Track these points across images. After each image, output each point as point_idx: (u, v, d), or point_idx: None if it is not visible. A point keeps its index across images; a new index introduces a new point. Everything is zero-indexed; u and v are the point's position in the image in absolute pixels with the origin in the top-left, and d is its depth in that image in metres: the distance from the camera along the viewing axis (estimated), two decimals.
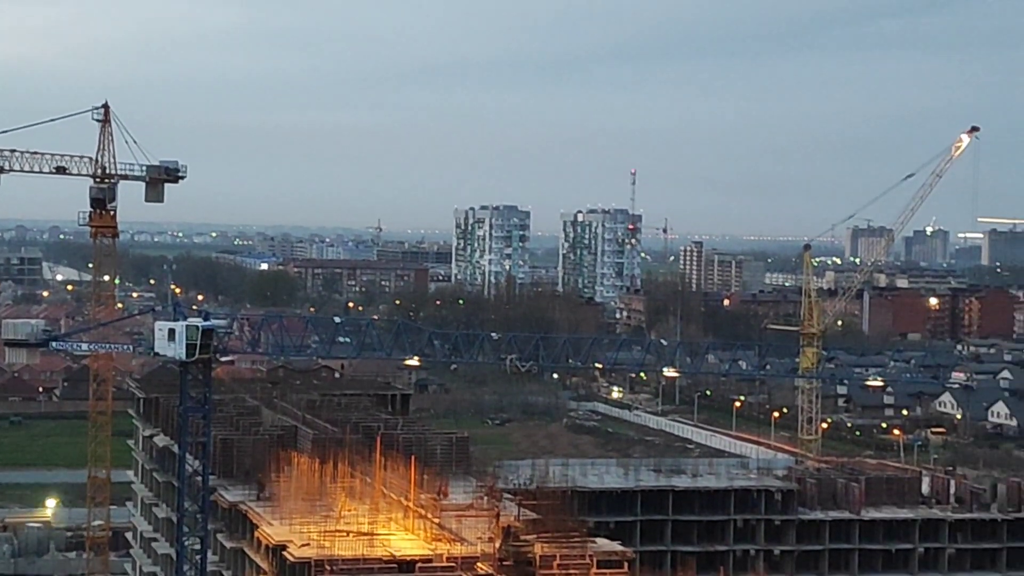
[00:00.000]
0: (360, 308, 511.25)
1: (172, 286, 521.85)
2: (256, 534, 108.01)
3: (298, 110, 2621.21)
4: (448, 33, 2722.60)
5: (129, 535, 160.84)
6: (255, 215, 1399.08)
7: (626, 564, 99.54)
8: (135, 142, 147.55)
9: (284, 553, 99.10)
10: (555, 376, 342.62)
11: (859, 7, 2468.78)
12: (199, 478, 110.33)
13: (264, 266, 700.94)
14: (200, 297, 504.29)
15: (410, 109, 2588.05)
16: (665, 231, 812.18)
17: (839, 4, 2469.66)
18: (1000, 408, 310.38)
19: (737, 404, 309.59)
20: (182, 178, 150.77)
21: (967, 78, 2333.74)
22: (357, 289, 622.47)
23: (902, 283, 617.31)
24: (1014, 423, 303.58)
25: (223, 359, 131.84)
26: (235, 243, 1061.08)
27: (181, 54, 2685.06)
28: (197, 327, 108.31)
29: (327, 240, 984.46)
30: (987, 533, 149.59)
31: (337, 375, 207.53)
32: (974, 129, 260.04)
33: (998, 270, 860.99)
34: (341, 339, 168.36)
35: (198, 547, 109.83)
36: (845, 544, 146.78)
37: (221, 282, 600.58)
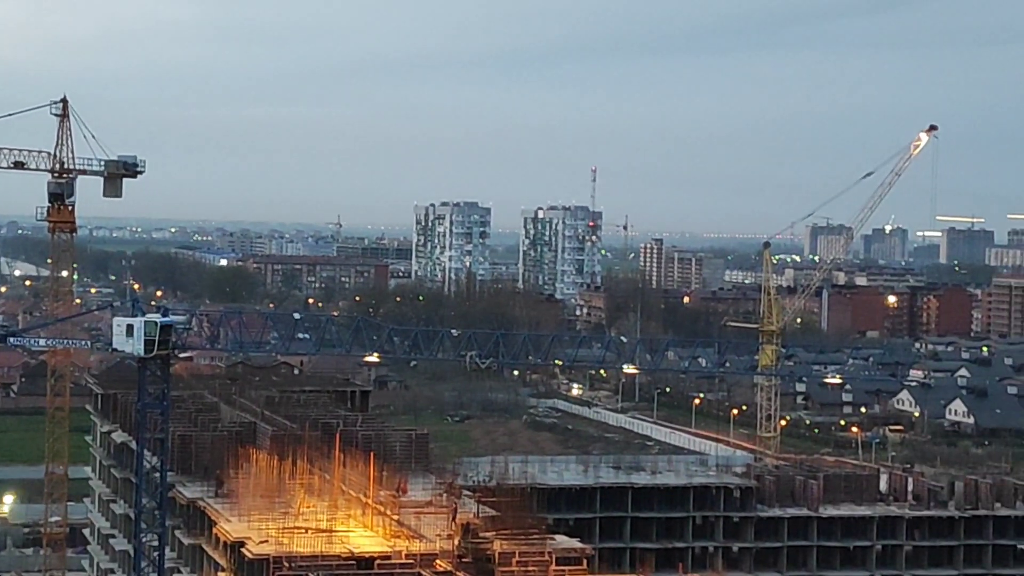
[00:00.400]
0: (320, 304, 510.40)
1: (130, 282, 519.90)
2: (214, 531, 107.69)
3: (257, 105, 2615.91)
4: (408, 28, 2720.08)
5: (86, 531, 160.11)
6: (214, 210, 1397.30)
7: (585, 561, 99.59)
8: (93, 137, 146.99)
9: (242, 550, 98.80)
10: (515, 373, 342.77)
11: (818, 6, 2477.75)
12: (157, 474, 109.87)
13: (223, 262, 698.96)
14: (159, 293, 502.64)
15: (370, 104, 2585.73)
16: (625, 228, 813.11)
17: (799, 2, 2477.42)
18: (958, 406, 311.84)
19: (696, 401, 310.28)
20: (140, 173, 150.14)
21: (925, 77, 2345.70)
22: (317, 285, 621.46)
23: (861, 281, 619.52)
24: (971, 421, 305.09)
25: (182, 355, 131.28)
26: (194, 239, 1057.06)
27: (139, 48, 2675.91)
28: (156, 323, 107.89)
29: (287, 236, 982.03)
30: (944, 530, 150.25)
31: (296, 371, 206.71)
32: (932, 128, 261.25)
33: (956, 268, 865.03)
34: (300, 335, 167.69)
35: (156, 544, 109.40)
36: (803, 541, 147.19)
37: (180, 278, 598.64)
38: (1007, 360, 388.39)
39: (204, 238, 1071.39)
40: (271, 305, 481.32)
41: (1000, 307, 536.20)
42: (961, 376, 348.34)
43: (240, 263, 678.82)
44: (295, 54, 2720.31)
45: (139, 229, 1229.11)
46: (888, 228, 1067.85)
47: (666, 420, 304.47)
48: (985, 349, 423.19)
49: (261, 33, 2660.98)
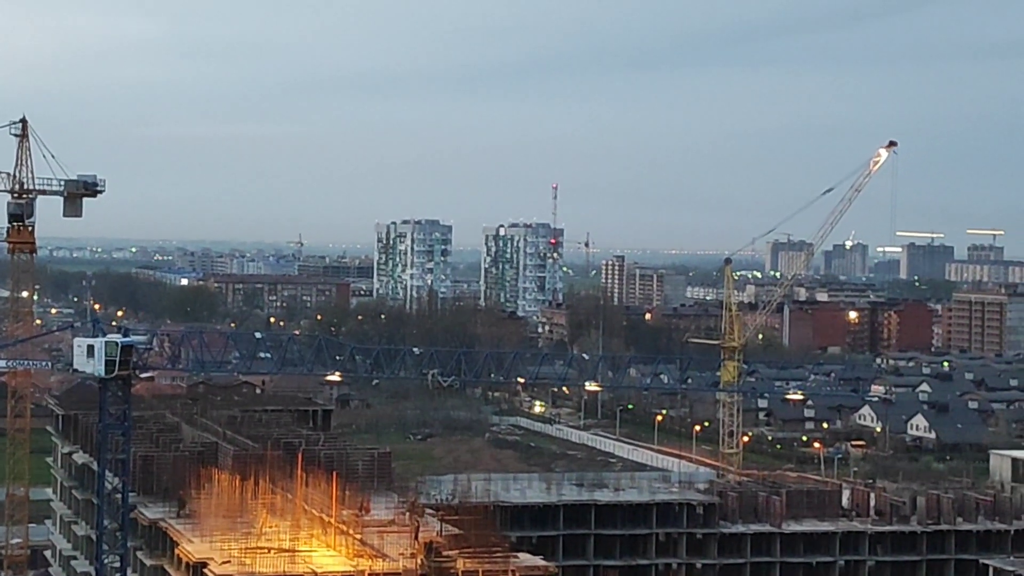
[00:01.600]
0: (281, 323, 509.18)
1: (91, 302, 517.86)
2: (177, 551, 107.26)
3: (217, 123, 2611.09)
4: (367, 45, 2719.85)
5: (48, 553, 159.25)
6: (175, 230, 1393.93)
7: None
8: (53, 156, 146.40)
9: (205, 570, 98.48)
10: (477, 391, 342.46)
11: (778, 23, 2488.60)
12: (119, 495, 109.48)
13: (184, 281, 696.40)
14: (120, 313, 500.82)
15: (330, 122, 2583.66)
16: (587, 245, 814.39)
17: (757, 19, 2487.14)
18: (919, 421, 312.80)
19: (659, 418, 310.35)
20: (100, 192, 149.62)
21: (885, 93, 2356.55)
22: (278, 304, 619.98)
23: (822, 297, 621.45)
24: (933, 436, 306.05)
25: (143, 375, 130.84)
26: (155, 258, 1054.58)
27: (98, 67, 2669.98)
28: (116, 343, 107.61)
29: (247, 255, 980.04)
30: (907, 545, 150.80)
31: (258, 391, 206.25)
32: (892, 144, 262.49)
33: (917, 284, 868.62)
34: (262, 355, 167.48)
35: (118, 565, 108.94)
36: (766, 557, 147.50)
37: (141, 298, 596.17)
38: (968, 375, 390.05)
39: (165, 258, 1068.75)
40: (232, 324, 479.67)
41: (960, 322, 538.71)
42: (922, 391, 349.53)
43: (201, 282, 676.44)
44: (256, 72, 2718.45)
45: (99, 249, 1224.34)
46: (849, 244, 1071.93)
47: (629, 437, 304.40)
48: (946, 364, 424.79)
49: (222, 52, 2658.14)
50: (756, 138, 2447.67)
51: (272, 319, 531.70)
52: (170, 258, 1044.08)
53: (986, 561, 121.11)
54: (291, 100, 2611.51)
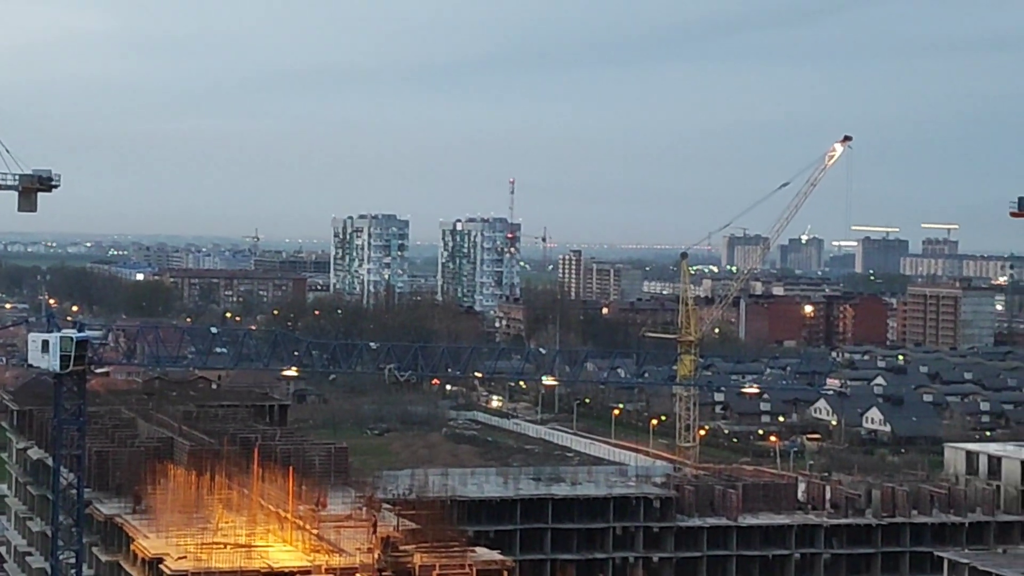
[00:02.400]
0: (237, 318, 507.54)
1: (46, 297, 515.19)
2: (132, 547, 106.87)
3: (173, 118, 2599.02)
4: (324, 41, 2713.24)
5: (2, 549, 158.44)
6: (130, 225, 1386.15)
7: (506, 573, 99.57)
8: (7, 150, 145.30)
9: (161, 566, 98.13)
10: (434, 385, 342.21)
11: (732, 20, 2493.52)
12: (74, 491, 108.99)
13: (140, 276, 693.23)
14: (75, 308, 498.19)
15: (286, 117, 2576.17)
16: (544, 240, 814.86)
17: (712, 16, 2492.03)
18: (874, 414, 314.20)
19: (616, 412, 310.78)
20: (55, 187, 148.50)
21: (839, 89, 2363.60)
22: (234, 299, 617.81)
23: (778, 291, 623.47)
24: (888, 429, 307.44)
25: (98, 370, 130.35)
26: (110, 253, 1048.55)
27: (53, 61, 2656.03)
28: (71, 338, 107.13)
29: (204, 250, 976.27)
30: (862, 538, 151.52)
31: (214, 386, 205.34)
32: (847, 138, 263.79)
33: (871, 278, 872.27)
34: (218, 349, 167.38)
35: (73, 561, 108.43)
36: (723, 551, 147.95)
37: (96, 293, 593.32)
38: (922, 368, 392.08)
39: (120, 252, 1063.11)
40: (188, 320, 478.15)
41: (915, 316, 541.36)
42: (877, 384, 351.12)
43: (157, 277, 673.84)
44: (211, 68, 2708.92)
45: (54, 244, 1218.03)
46: (804, 238, 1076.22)
47: (586, 431, 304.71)
48: (900, 358, 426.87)
49: (178, 46, 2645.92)
50: (712, 133, 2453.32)
51: (228, 314, 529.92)
52: (125, 253, 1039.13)
53: (941, 553, 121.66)
54: (247, 95, 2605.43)
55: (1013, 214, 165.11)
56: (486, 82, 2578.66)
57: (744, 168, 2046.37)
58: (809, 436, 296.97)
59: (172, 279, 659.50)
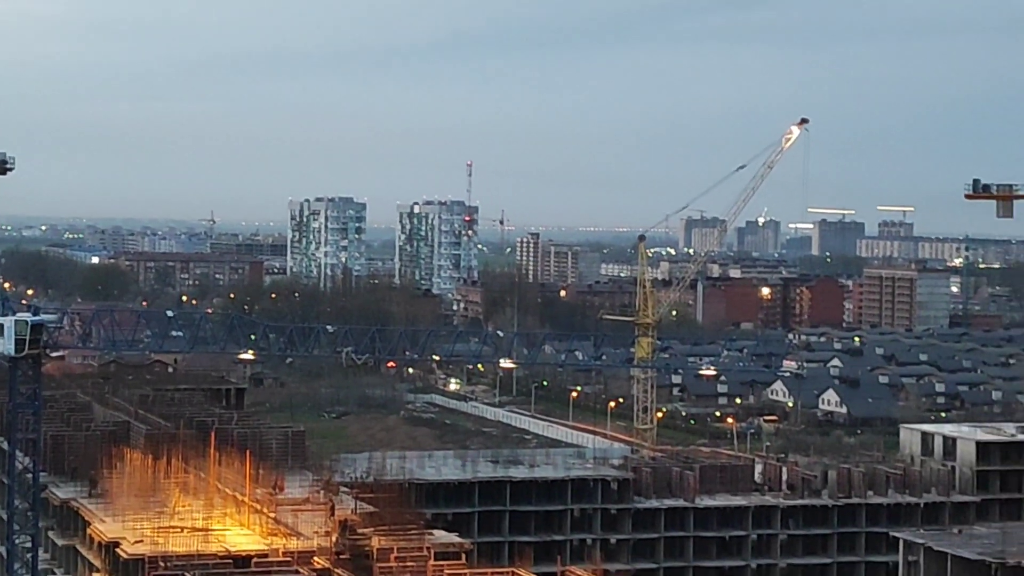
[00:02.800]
0: (194, 301, 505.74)
1: (0, 280, 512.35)
2: (88, 531, 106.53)
3: (128, 101, 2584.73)
4: (281, 23, 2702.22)
5: None
6: (85, 208, 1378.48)
7: (463, 555, 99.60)
8: None
9: (117, 550, 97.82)
10: (390, 368, 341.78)
11: (688, 3, 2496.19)
12: (29, 475, 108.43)
13: (95, 259, 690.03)
14: (30, 292, 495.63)
15: (243, 100, 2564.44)
16: (502, 223, 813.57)
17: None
18: (830, 396, 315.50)
19: (574, 394, 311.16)
20: (10, 170, 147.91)
21: (796, 71, 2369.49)
22: (190, 282, 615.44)
23: (735, 273, 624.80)
24: (844, 410, 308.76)
25: (53, 354, 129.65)
26: (65, 236, 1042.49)
27: (6, 45, 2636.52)
28: (26, 322, 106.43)
29: (159, 233, 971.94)
30: (818, 519, 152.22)
31: (170, 370, 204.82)
32: (804, 121, 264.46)
33: (828, 260, 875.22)
34: (174, 333, 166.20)
35: (29, 545, 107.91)
36: (680, 532, 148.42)
37: (51, 276, 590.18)
38: (878, 350, 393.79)
39: (75, 236, 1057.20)
40: (144, 303, 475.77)
41: (871, 298, 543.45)
42: (833, 366, 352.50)
43: (112, 261, 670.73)
44: (167, 50, 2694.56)
45: (8, 227, 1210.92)
46: (761, 220, 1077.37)
47: (543, 413, 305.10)
48: (857, 339, 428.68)
49: (132, 29, 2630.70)
50: (671, 116, 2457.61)
51: (184, 297, 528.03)
52: (81, 236, 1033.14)
53: (896, 534, 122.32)
54: (204, 78, 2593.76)
55: (968, 196, 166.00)
56: (444, 65, 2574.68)
57: (702, 151, 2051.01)
58: (766, 418, 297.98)
59: (128, 262, 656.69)
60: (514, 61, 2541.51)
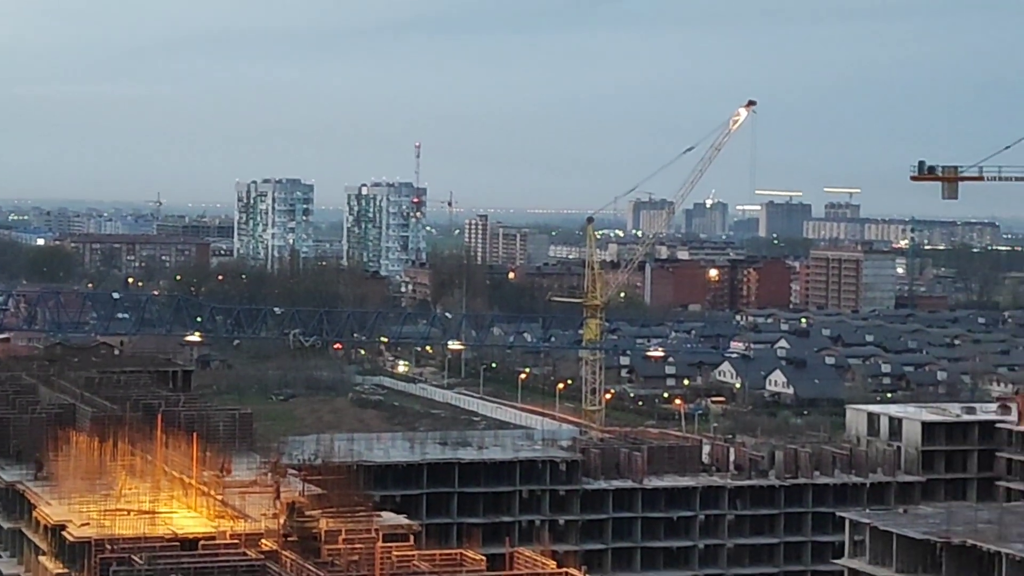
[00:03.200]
0: (140, 284, 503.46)
1: None
2: (35, 514, 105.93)
3: (73, 82, 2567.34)
4: (229, 5, 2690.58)
5: None
6: (30, 189, 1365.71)
7: (412, 537, 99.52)
8: None
9: (64, 533, 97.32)
10: (337, 350, 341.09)
11: None
12: None
13: (40, 241, 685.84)
14: None
15: (189, 81, 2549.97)
16: (450, 204, 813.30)
17: None
18: (777, 377, 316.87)
19: (522, 376, 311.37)
20: None
21: (744, 53, 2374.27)
22: (137, 264, 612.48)
23: (683, 255, 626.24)
24: (791, 391, 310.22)
25: None
26: (9, 218, 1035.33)
27: None
28: None
29: (105, 214, 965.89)
30: (765, 499, 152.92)
31: (116, 352, 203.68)
32: (751, 103, 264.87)
33: (775, 242, 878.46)
34: (120, 315, 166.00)
35: None
36: (628, 512, 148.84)
37: None
38: (825, 331, 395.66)
39: (20, 217, 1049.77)
40: (90, 285, 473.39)
41: (818, 279, 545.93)
42: (780, 347, 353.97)
43: (58, 242, 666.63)
44: (112, 31, 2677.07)
45: None
46: (709, 202, 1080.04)
47: (492, 395, 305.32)
48: (803, 321, 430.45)
49: (80, 10, 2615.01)
50: (619, 98, 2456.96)
51: (130, 279, 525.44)
52: (25, 218, 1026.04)
53: (842, 513, 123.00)
54: (149, 59, 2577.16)
55: (913, 178, 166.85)
56: (393, 47, 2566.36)
57: (650, 133, 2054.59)
58: (713, 399, 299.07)
59: (73, 244, 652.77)
60: (464, 43, 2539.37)
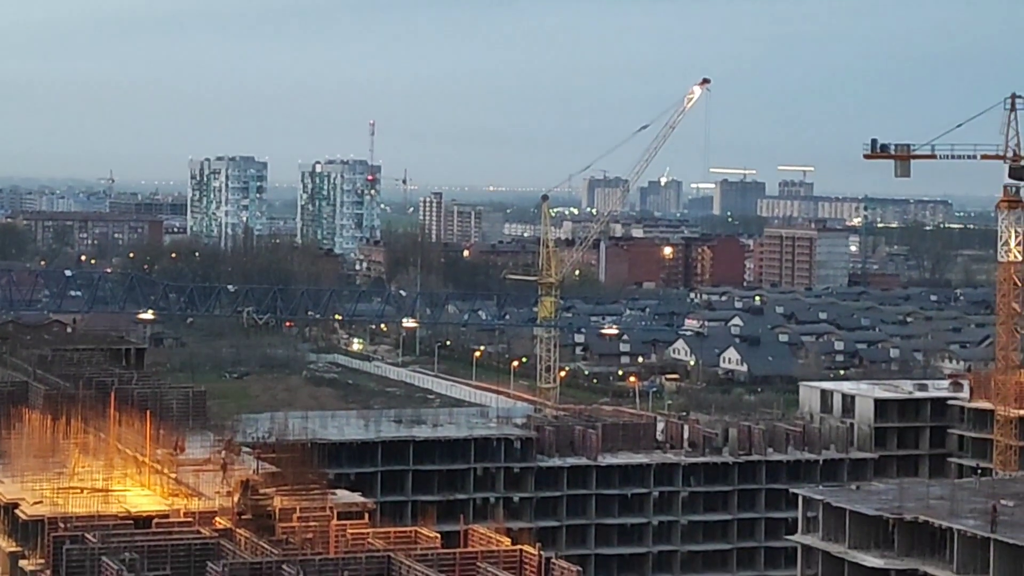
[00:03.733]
0: (93, 261, 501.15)
1: None
2: None
3: (26, 58, 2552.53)
4: None
5: None
6: None
7: (367, 515, 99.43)
8: None
9: (16, 511, 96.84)
10: (289, 328, 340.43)
11: None
12: None
13: None
14: None
15: (143, 58, 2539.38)
16: (404, 182, 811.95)
17: None
18: (731, 354, 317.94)
19: (477, 354, 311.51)
20: None
21: (698, 31, 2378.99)
22: (89, 242, 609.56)
23: (637, 233, 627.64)
24: (744, 368, 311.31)
25: None
26: None
27: None
28: None
29: (57, 192, 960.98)
30: (719, 476, 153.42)
31: (69, 330, 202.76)
32: (705, 81, 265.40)
33: (729, 219, 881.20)
34: (73, 293, 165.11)
35: None
36: (582, 490, 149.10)
37: None
38: (778, 308, 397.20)
39: None
40: (42, 263, 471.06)
41: (771, 257, 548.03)
42: (734, 325, 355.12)
43: (9, 220, 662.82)
44: (66, 7, 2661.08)
45: None
46: (663, 180, 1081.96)
47: (447, 373, 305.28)
48: (758, 298, 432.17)
49: None
50: (573, 75, 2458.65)
51: (83, 257, 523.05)
52: None
53: (796, 490, 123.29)
54: (103, 36, 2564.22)
55: (866, 156, 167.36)
56: (347, 24, 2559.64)
57: (605, 111, 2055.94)
58: (667, 376, 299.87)
59: (25, 221, 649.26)
60: (417, 20, 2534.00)
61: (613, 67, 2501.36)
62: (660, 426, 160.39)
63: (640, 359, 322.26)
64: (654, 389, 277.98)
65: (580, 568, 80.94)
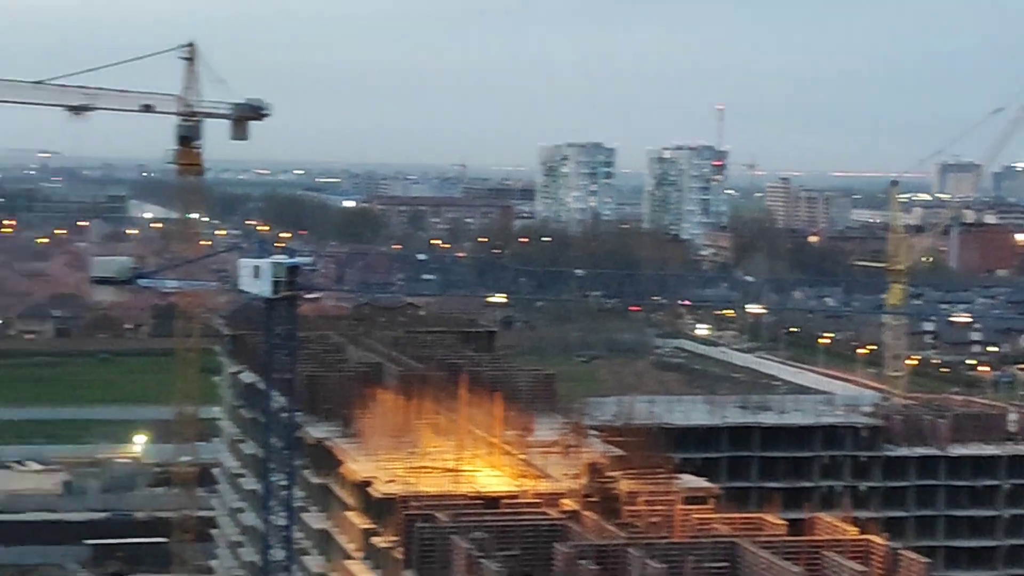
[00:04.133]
0: (445, 245, 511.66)
1: (252, 223, 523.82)
2: (341, 470, 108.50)
3: (383, 49, 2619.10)
4: None
5: (216, 471, 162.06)
6: (340, 152, 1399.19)
7: (712, 500, 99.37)
8: (221, 80, 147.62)
9: (369, 489, 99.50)
10: (633, 312, 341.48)
11: None
12: (285, 414, 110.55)
13: (349, 203, 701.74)
14: (286, 235, 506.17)
15: (493, 48, 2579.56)
16: (752, 168, 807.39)
17: None
18: None
19: (823, 341, 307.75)
20: (267, 116, 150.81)
21: None
22: (441, 226, 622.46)
23: (990, 219, 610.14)
24: None
25: (308, 296, 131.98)
26: (320, 181, 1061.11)
27: None
28: (282, 264, 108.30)
29: (411, 177, 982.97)
30: None
31: (422, 312, 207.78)
32: None
33: None
34: (426, 276, 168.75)
35: (285, 483, 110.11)
36: (931, 480, 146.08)
37: (306, 219, 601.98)
38: None
39: (330, 180, 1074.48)
40: (396, 247, 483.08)
41: None
42: None
43: (365, 204, 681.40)
44: (418, 0, 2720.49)
45: (266, 171, 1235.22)
46: (1019, 166, 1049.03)
47: (793, 360, 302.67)
48: None
49: None
50: (927, 59, 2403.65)
51: (435, 241, 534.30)
52: (335, 180, 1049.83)
53: None
54: (456, 27, 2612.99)
55: None
56: (692, 11, 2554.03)
57: (958, 93, 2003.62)
58: (1020, 366, 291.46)
59: (380, 206, 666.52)
60: (768, 5, 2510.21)
61: (968, 46, 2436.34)
62: (1012, 417, 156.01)
63: (992, 348, 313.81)
64: (1007, 379, 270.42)
65: (930, 560, 79.34)
